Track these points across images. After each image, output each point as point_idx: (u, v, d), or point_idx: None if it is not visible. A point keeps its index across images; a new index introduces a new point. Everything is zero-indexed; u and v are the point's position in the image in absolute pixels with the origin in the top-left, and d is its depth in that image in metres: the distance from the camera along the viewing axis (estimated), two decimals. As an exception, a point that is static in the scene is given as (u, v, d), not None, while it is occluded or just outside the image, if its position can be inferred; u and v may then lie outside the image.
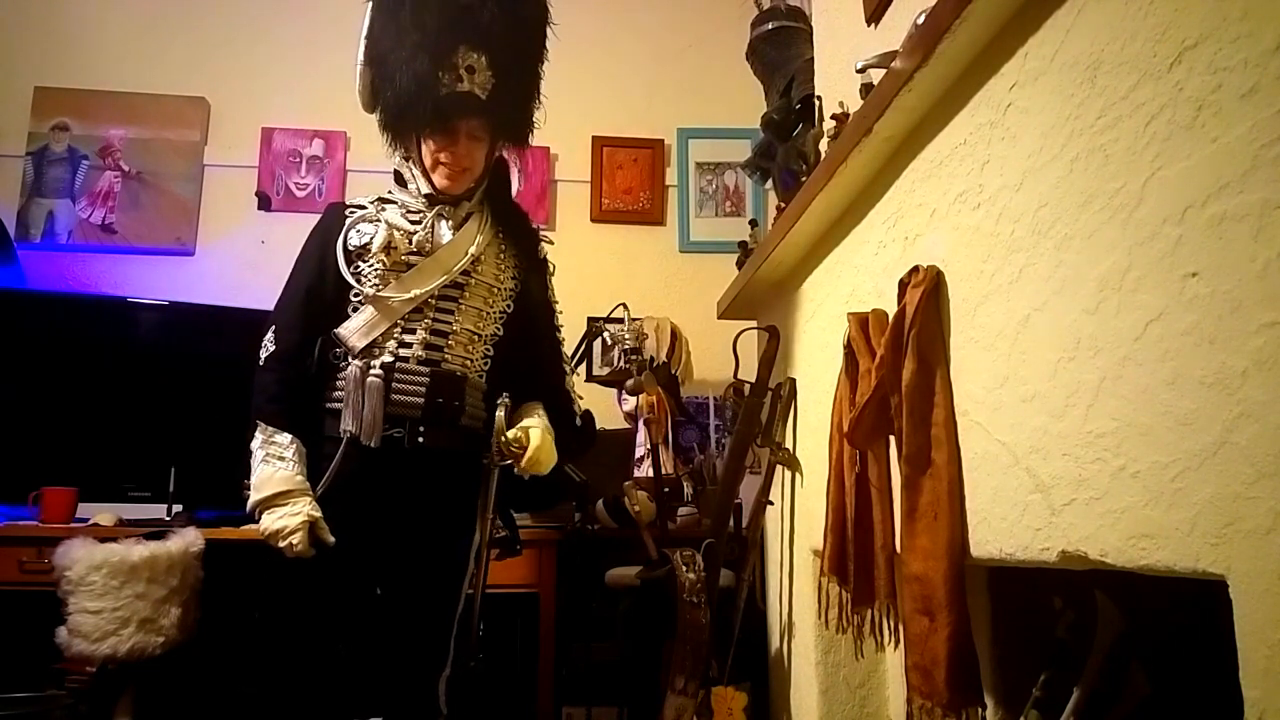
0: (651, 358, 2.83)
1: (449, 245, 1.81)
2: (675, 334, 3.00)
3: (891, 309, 1.38)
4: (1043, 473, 1.02)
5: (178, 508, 2.60)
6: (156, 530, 2.25)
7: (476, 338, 1.82)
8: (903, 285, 1.34)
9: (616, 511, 2.56)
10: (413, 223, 1.82)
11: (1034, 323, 1.06)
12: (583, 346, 2.80)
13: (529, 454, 1.77)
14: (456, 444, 1.81)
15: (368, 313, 1.78)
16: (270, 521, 1.68)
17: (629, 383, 2.73)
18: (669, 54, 3.61)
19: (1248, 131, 0.73)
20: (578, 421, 1.89)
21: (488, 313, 1.84)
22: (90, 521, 2.46)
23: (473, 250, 1.81)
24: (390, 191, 1.90)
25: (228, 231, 3.24)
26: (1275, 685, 0.69)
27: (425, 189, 1.83)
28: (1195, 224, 0.79)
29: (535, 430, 1.81)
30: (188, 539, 2.20)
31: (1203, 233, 0.78)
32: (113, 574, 2.06)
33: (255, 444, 1.73)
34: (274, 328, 1.81)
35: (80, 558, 2.07)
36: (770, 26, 2.31)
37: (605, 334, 2.89)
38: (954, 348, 1.25)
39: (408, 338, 1.77)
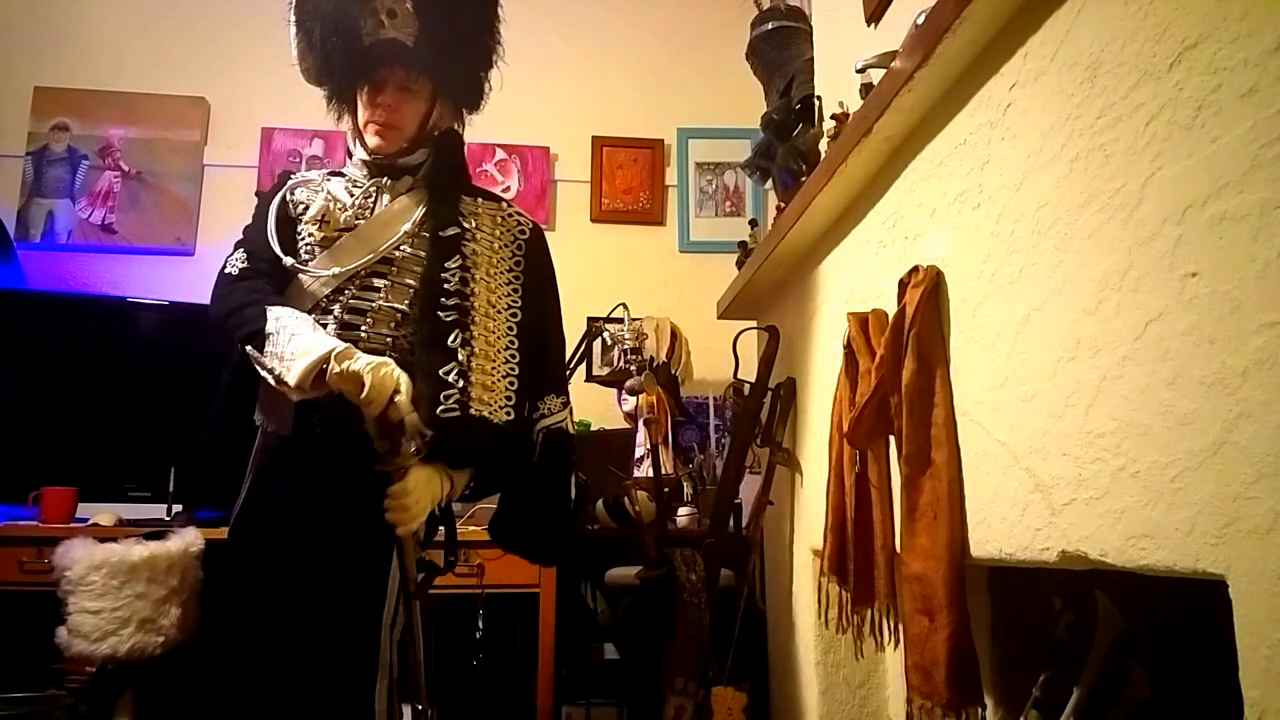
0: (651, 358, 2.83)
1: (378, 219, 1.64)
2: (675, 334, 3.00)
3: (891, 309, 1.38)
4: (1043, 473, 1.02)
5: (178, 508, 2.60)
6: (156, 530, 2.25)
7: (404, 316, 1.61)
8: (903, 285, 1.34)
9: (616, 511, 2.56)
10: (353, 194, 1.67)
11: (1034, 323, 1.06)
12: (583, 346, 2.80)
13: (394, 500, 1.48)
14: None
15: (291, 288, 1.62)
16: (361, 365, 1.41)
17: (629, 383, 2.74)
18: (669, 54, 3.61)
19: (1248, 131, 0.73)
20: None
21: (418, 290, 1.63)
22: (90, 521, 2.46)
23: (408, 227, 1.64)
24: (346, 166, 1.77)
25: (228, 231, 3.18)
26: (1275, 685, 0.69)
27: (361, 154, 1.69)
28: (1195, 224, 0.79)
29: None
30: (188, 539, 2.20)
31: (1203, 233, 0.78)
32: (112, 574, 2.06)
33: (275, 323, 1.49)
34: (245, 252, 1.63)
35: (80, 558, 2.07)
36: (770, 26, 2.31)
37: (605, 334, 2.90)
38: (954, 348, 1.25)
39: (324, 318, 1.59)
